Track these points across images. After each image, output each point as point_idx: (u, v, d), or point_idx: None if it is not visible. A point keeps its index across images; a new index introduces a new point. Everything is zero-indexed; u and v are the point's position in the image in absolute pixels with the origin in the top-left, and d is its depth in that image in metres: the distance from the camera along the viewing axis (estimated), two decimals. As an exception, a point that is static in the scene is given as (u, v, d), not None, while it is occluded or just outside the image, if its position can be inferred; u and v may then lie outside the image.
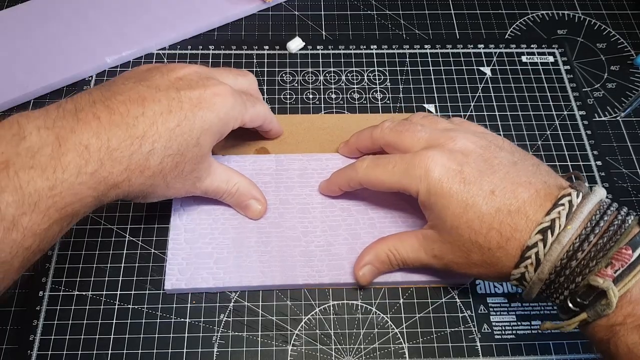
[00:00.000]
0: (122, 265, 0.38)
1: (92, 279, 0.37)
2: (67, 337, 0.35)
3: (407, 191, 0.33)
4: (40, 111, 0.27)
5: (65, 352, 0.35)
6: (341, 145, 0.41)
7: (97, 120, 0.27)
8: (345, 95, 0.47)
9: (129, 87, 0.30)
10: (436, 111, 0.46)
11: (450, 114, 0.46)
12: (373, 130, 0.37)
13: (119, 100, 0.29)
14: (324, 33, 0.50)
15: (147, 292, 0.37)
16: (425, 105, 0.46)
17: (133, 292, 0.37)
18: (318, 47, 0.49)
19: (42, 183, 0.25)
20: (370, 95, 0.47)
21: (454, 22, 0.52)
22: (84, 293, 0.37)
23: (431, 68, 0.48)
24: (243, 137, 0.39)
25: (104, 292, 0.37)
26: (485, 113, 0.46)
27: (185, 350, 0.35)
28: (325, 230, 0.38)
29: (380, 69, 0.48)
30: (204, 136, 0.31)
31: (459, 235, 0.31)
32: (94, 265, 0.38)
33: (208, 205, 0.39)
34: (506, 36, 0.51)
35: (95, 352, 0.35)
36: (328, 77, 0.47)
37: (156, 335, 0.36)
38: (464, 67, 0.48)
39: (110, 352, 0.35)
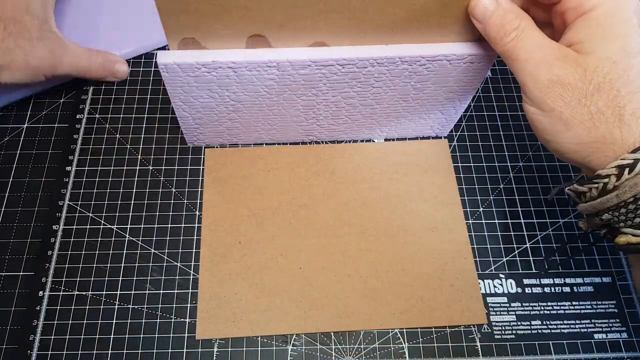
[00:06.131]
0: (122, 265, 0.38)
1: (92, 279, 0.38)
2: (67, 337, 0.36)
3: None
4: None
5: (65, 352, 0.35)
6: None
7: None
8: (345, 95, 0.47)
9: None
10: (436, 111, 0.46)
11: (450, 114, 0.46)
12: None
13: None
14: (324, 33, 0.50)
15: (147, 292, 0.37)
16: (425, 105, 0.46)
17: (133, 292, 0.37)
18: (318, 47, 0.49)
19: None
20: (370, 95, 0.47)
21: (454, 22, 0.52)
22: (84, 293, 0.37)
23: (431, 68, 0.48)
24: (232, 21, 0.32)
25: (104, 292, 0.37)
26: (485, 113, 0.46)
27: (185, 350, 0.35)
28: (328, 117, 0.41)
29: (380, 68, 0.48)
30: None
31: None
32: (94, 265, 0.38)
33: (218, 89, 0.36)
34: (506, 36, 0.51)
35: (95, 352, 0.35)
36: (328, 77, 0.47)
37: (156, 335, 0.36)
38: (464, 67, 0.48)
39: (110, 352, 0.35)
